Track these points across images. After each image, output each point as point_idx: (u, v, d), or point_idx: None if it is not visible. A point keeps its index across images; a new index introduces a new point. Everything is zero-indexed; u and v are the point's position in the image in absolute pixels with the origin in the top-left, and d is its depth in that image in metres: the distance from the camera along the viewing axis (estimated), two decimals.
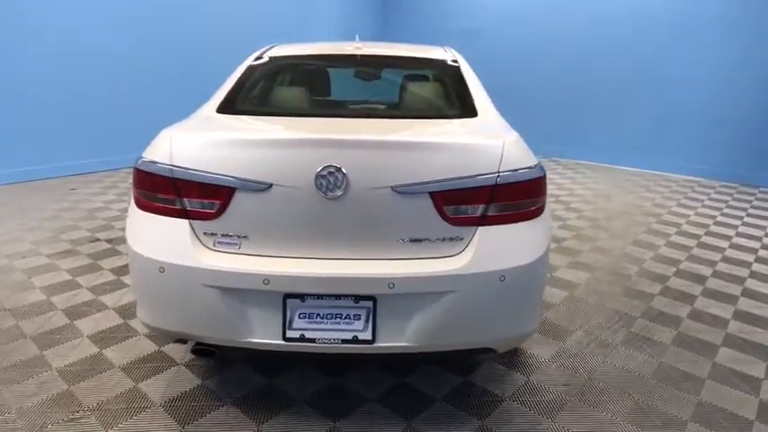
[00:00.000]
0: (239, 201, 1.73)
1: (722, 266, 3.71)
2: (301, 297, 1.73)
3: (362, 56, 2.60)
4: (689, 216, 4.97)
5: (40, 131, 5.57)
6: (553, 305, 3.03)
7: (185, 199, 1.76)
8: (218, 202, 1.74)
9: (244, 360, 2.37)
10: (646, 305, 3.07)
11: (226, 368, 2.33)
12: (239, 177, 1.71)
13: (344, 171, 1.68)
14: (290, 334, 1.74)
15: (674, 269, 3.63)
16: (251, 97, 2.29)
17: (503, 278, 1.73)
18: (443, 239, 1.75)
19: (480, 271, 1.71)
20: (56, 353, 2.44)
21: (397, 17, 9.60)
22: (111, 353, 2.44)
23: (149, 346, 2.48)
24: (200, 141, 1.78)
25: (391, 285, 1.69)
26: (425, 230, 1.73)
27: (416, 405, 2.11)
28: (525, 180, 1.79)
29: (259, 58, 2.59)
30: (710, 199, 5.67)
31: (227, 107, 2.19)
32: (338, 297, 1.72)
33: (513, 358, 2.46)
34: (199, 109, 2.21)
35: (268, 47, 2.74)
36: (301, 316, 1.74)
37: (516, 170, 1.77)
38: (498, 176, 1.74)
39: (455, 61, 2.59)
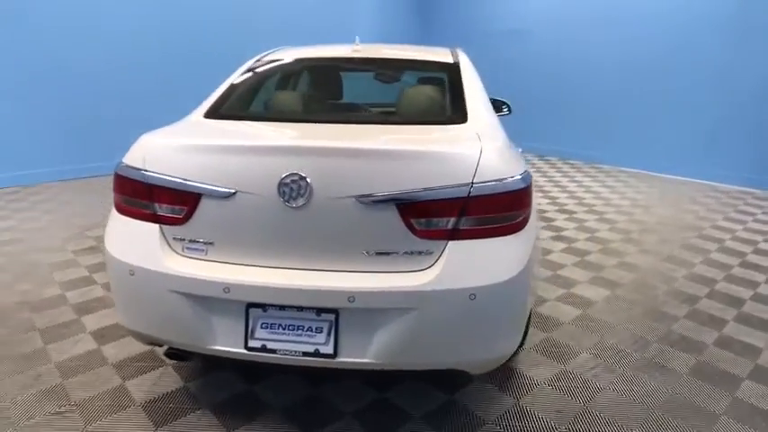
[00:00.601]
0: (205, 207, 1.72)
1: (766, 289, 3.38)
2: (263, 307, 1.70)
3: (358, 59, 2.55)
4: (735, 231, 4.58)
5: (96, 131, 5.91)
6: (562, 324, 2.86)
7: (156, 204, 1.77)
8: (185, 207, 1.74)
9: (226, 365, 2.37)
10: (667, 328, 2.83)
11: (210, 371, 2.33)
12: (204, 183, 1.70)
13: (308, 179, 1.63)
14: (251, 343, 1.71)
15: (707, 290, 3.35)
16: (239, 102, 2.29)
17: (473, 296, 1.62)
18: (411, 253, 1.66)
19: (447, 288, 1.61)
20: (58, 347, 2.54)
21: (438, 16, 9.48)
22: (108, 350, 2.52)
23: (143, 345, 2.53)
24: (170, 147, 1.79)
25: (351, 299, 1.62)
26: (391, 243, 1.66)
27: (392, 423, 2.03)
28: (504, 192, 1.67)
29: (258, 61, 2.60)
30: (765, 213, 5.21)
31: (214, 112, 2.20)
32: (300, 309, 1.68)
33: (506, 378, 2.33)
34: (190, 114, 2.23)
35: (272, 50, 2.75)
36: (263, 326, 1.71)
37: (493, 181, 1.66)
38: (472, 187, 1.63)
39: (455, 64, 2.49)
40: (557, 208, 5.27)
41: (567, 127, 7.99)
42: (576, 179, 6.65)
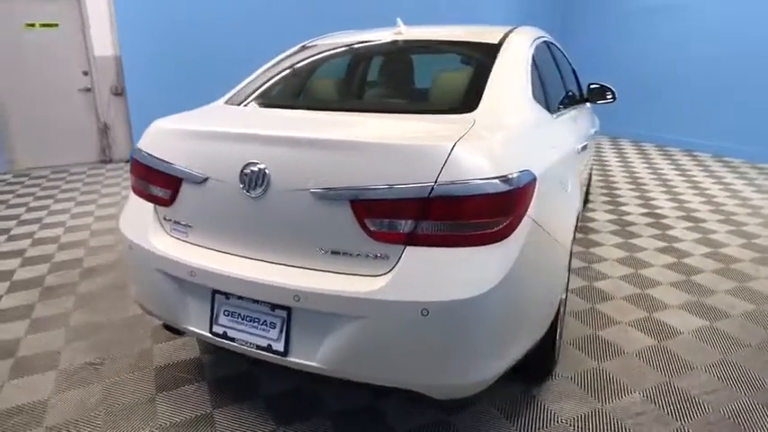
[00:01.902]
0: (185, 190, 1.76)
1: None
2: (226, 295, 1.68)
3: (389, 44, 2.36)
4: None
5: None
6: (624, 354, 2.39)
7: (151, 185, 1.86)
8: (169, 190, 1.79)
9: None
10: (761, 384, 2.21)
11: None
12: (183, 168, 1.73)
13: (266, 169, 1.56)
14: (215, 329, 1.72)
15: None
16: (263, 88, 2.28)
17: (425, 312, 1.41)
18: (366, 256, 1.50)
19: (395, 299, 1.42)
20: (122, 308, 2.86)
21: None
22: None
23: None
24: (164, 131, 1.85)
25: (297, 298, 1.53)
26: (345, 243, 1.51)
27: None
28: (476, 195, 1.42)
29: (299, 48, 2.57)
30: None
31: (235, 98, 2.23)
32: (256, 301, 1.63)
33: (519, 405, 2.03)
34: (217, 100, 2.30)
35: (318, 37, 2.70)
36: (226, 313, 1.70)
37: (463, 181, 1.41)
38: (433, 187, 1.41)
39: (495, 45, 2.17)
40: (682, 213, 4.45)
41: (704, 115, 6.76)
42: (725, 180, 5.54)
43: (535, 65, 2.29)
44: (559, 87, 2.87)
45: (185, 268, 1.70)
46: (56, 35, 6.04)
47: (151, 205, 1.89)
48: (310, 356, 1.57)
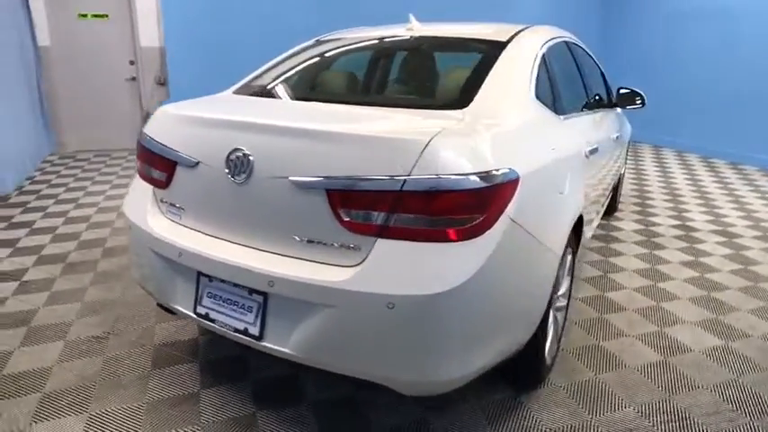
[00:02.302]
0: (180, 174, 1.81)
1: None
2: (209, 277, 1.73)
3: (396, 41, 2.35)
4: None
5: None
6: (625, 367, 2.29)
7: (151, 168, 1.93)
8: (165, 173, 1.85)
9: None
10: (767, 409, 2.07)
11: None
12: (178, 152, 1.79)
13: (250, 156, 1.59)
14: (198, 310, 1.76)
15: None
16: (269, 79, 2.31)
17: (391, 306, 1.40)
18: (340, 246, 1.51)
19: (361, 290, 1.42)
20: (132, 288, 2.98)
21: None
22: None
23: None
24: (166, 117, 1.91)
25: (271, 284, 1.55)
26: (320, 232, 1.52)
27: (348, 424, 1.90)
28: (449, 190, 1.40)
29: (318, 41, 2.60)
30: None
31: (243, 88, 2.28)
32: (236, 285, 1.66)
33: (504, 410, 1.98)
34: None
35: (337, 31, 2.72)
36: (209, 295, 1.75)
37: (436, 176, 1.39)
38: (406, 180, 1.40)
39: (502, 43, 2.13)
40: (716, 227, 4.22)
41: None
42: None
43: (545, 64, 2.23)
44: (576, 89, 2.79)
45: (175, 249, 1.76)
46: (106, 25, 6.34)
47: (151, 188, 1.96)
48: (283, 342, 1.59)
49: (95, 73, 6.42)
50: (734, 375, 2.27)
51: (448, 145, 1.43)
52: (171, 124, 1.87)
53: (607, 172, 3.04)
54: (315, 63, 2.39)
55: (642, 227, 4.22)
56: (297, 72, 2.34)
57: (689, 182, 5.81)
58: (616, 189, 4.24)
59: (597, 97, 3.32)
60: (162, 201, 1.92)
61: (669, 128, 7.73)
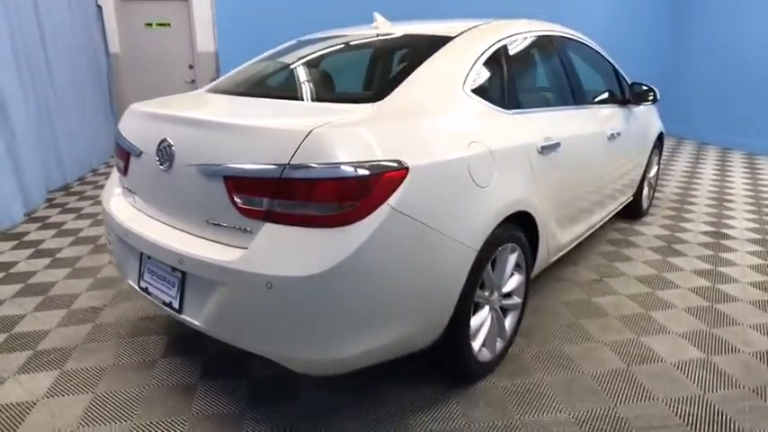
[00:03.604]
0: (132, 162, 2.03)
1: None
2: (147, 255, 1.92)
3: (362, 41, 2.42)
4: None
5: None
6: (577, 372, 2.20)
7: (118, 158, 2.17)
8: (123, 162, 2.08)
9: None
10: (728, 429, 1.90)
11: None
12: (130, 143, 2.01)
13: (173, 146, 1.76)
14: (141, 284, 1.97)
15: None
16: (237, 79, 2.47)
17: (269, 285, 1.50)
18: (237, 228, 1.63)
19: (245, 270, 1.53)
20: None
21: None
22: None
23: None
24: (129, 113, 2.13)
25: (180, 261, 1.71)
26: (221, 215, 1.65)
27: (280, 395, 2.02)
28: (322, 178, 1.47)
29: (300, 42, 2.74)
30: None
31: (216, 86, 2.47)
32: (162, 262, 1.84)
33: (431, 403, 2.00)
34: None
35: (315, 33, 2.85)
36: (148, 271, 1.94)
37: (315, 165, 1.47)
38: (285, 169, 1.49)
39: (446, 38, 2.13)
40: (756, 236, 3.84)
41: None
42: None
43: (498, 59, 2.21)
44: (553, 84, 2.70)
45: (122, 229, 1.98)
46: (168, 33, 6.96)
47: (116, 175, 2.21)
48: (197, 316, 1.74)
49: (159, 77, 7.05)
50: (701, 391, 2.10)
51: (328, 136, 1.50)
52: (131, 119, 2.10)
53: (597, 171, 2.89)
54: (276, 62, 2.54)
55: (667, 232, 3.94)
56: (257, 70, 2.49)
57: (747, 187, 5.29)
58: (639, 192, 3.99)
59: (597, 93, 3.17)
60: (124, 187, 2.15)
61: (738, 128, 7.05)
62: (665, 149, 7.30)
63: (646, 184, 4.11)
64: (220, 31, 6.83)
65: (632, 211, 4.10)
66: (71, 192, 5.04)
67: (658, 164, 4.41)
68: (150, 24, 6.85)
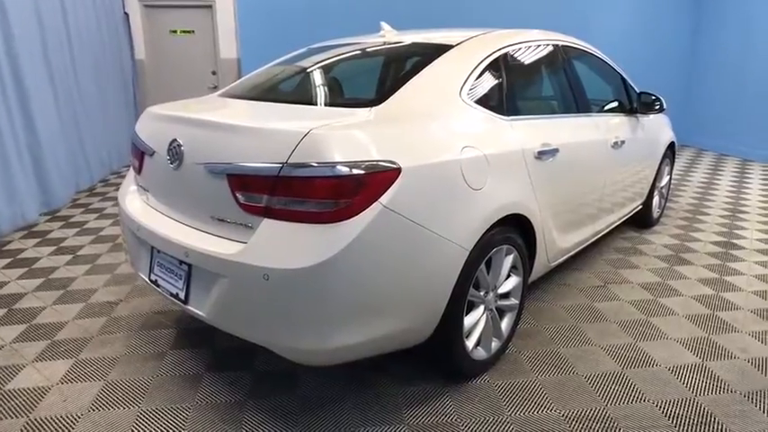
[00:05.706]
0: (146, 161, 2.15)
1: None
2: (157, 249, 2.04)
3: (369, 49, 2.53)
4: None
5: None
6: (571, 373, 2.24)
7: (134, 157, 2.30)
8: (138, 161, 2.21)
9: None
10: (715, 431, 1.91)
11: None
12: (144, 142, 2.13)
13: (182, 146, 1.88)
14: (152, 277, 2.08)
15: None
16: (247, 85, 2.59)
17: (266, 277, 1.59)
18: (239, 224, 1.73)
19: (244, 262, 1.63)
20: None
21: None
22: None
23: None
24: (145, 115, 2.26)
25: (186, 254, 1.81)
26: (225, 211, 1.75)
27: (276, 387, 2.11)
28: (316, 176, 1.56)
29: (310, 50, 2.86)
30: None
31: (227, 91, 2.60)
32: (170, 255, 1.95)
33: (424, 399, 2.06)
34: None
35: (327, 40, 2.96)
36: (158, 264, 2.05)
37: (310, 164, 1.57)
38: (282, 167, 1.59)
39: (446, 46, 2.21)
40: (767, 246, 3.80)
41: None
42: None
43: (497, 67, 2.28)
44: (556, 93, 2.75)
45: (135, 224, 2.10)
46: (192, 40, 7.19)
47: (131, 174, 2.34)
48: (201, 307, 1.84)
49: (183, 83, 7.28)
50: (692, 394, 2.12)
51: (325, 137, 1.59)
52: (146, 121, 2.23)
53: (599, 178, 2.92)
54: (285, 68, 2.65)
55: (677, 242, 3.92)
56: (267, 76, 2.61)
57: (763, 198, 5.22)
58: (649, 200, 3.99)
59: (603, 102, 3.21)
60: (138, 185, 2.28)
61: (757, 140, 6.95)
62: (683, 160, 7.23)
63: (656, 193, 4.11)
64: (243, 38, 7.03)
65: (642, 220, 4.10)
66: (94, 192, 5.25)
67: (670, 173, 4.39)
68: (175, 31, 7.10)
